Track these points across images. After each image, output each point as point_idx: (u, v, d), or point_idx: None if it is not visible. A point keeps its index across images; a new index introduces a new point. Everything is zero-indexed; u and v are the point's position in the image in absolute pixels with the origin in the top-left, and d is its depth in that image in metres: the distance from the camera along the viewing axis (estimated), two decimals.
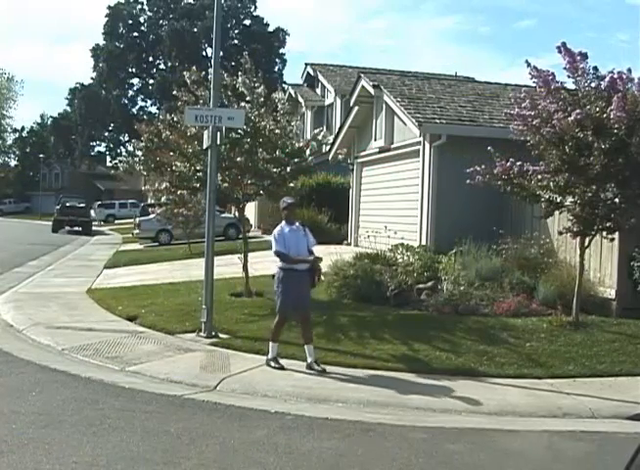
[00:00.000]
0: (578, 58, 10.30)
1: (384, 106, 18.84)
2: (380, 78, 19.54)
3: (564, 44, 10.33)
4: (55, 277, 18.86)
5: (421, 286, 12.56)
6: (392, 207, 18.69)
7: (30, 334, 11.03)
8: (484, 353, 9.51)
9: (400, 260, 14.06)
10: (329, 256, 13.38)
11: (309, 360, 8.90)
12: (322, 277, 8.75)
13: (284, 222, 9.20)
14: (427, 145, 16.54)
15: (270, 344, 9.07)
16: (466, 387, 8.35)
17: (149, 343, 10.44)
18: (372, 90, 18.89)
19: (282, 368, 8.84)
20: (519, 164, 10.83)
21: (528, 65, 10.68)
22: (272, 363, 8.96)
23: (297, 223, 9.21)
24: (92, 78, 73.58)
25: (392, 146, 18.85)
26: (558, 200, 10.87)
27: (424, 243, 15.99)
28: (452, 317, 11.30)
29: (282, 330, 9.23)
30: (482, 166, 11.06)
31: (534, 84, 10.80)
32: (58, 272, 20.16)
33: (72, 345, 10.16)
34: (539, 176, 10.67)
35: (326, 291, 12.90)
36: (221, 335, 10.75)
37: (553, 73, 10.55)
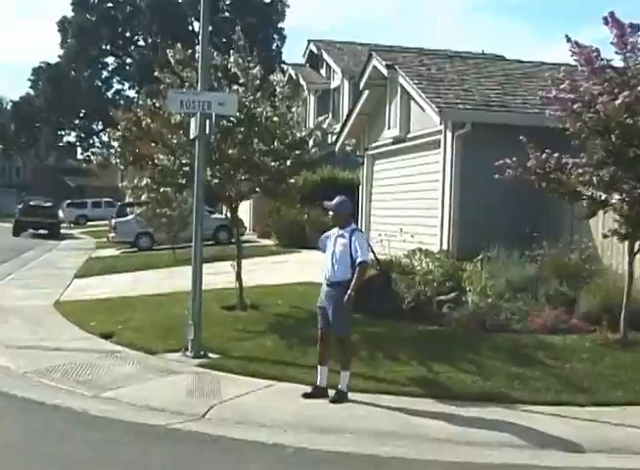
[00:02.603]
0: (629, 30, 10.24)
1: (399, 89, 18.83)
2: (394, 57, 19.52)
3: (611, 14, 10.27)
4: (16, 288, 18.86)
5: (442, 298, 12.56)
6: (409, 206, 18.68)
7: None
8: (516, 377, 9.51)
9: (418, 268, 14.05)
10: None
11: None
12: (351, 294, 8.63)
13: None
14: (448, 134, 16.54)
15: (348, 374, 8.89)
16: (495, 415, 8.35)
17: (126, 364, 10.45)
18: (385, 71, 18.89)
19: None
20: (556, 155, 10.83)
21: (568, 39, 10.67)
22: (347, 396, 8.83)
23: (350, 228, 9.03)
24: (59, 57, 73.73)
25: (409, 136, 18.85)
26: (602, 197, 10.86)
27: (445, 248, 15.99)
28: (478, 334, 11.29)
29: (321, 351, 9.07)
30: (513, 159, 11.07)
31: (575, 62, 10.79)
32: (20, 282, 20.17)
33: (37, 367, 10.17)
34: (580, 170, 10.66)
35: None
36: (211, 355, 10.78)
37: (597, 49, 10.52)
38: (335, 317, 8.76)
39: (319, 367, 8.93)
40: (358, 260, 8.73)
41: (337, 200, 9.22)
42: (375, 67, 19.53)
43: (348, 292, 8.56)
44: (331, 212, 9.24)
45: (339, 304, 8.65)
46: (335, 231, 9.16)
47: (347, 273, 8.75)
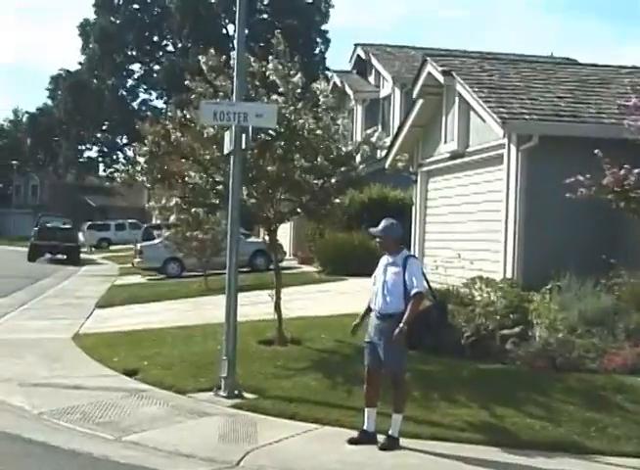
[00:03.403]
0: None
1: (456, 98, 18.79)
2: (451, 63, 19.49)
3: None
4: (31, 319, 19.13)
5: (506, 332, 12.47)
6: (468, 229, 18.58)
7: None
8: (592, 423, 9.39)
9: (478, 298, 13.97)
10: None
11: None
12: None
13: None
14: (513, 148, 16.45)
15: (400, 417, 8.85)
16: (567, 466, 8.23)
17: (153, 404, 10.50)
18: (441, 78, 18.86)
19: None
20: (636, 171, 10.74)
21: None
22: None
23: (403, 255, 9.02)
24: (80, 63, 74.99)
25: (468, 150, 18.77)
26: None
27: (509, 276, 15.86)
28: (548, 374, 11.19)
29: (368, 392, 8.97)
30: (587, 176, 10.99)
31: None
32: (35, 313, 20.46)
33: (53, 407, 10.25)
34: None
35: None
36: (246, 394, 10.81)
37: None
38: (388, 354, 8.70)
39: (366, 410, 8.90)
40: (413, 291, 8.70)
41: (383, 223, 9.20)
42: (430, 73, 19.51)
43: (400, 325, 8.53)
44: (378, 238, 9.20)
45: (392, 338, 8.62)
46: (384, 259, 9.14)
47: (401, 305, 8.73)
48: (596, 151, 11.08)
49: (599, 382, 10.81)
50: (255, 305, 15.91)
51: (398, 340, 8.55)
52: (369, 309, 9.15)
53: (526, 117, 16.45)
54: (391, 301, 8.79)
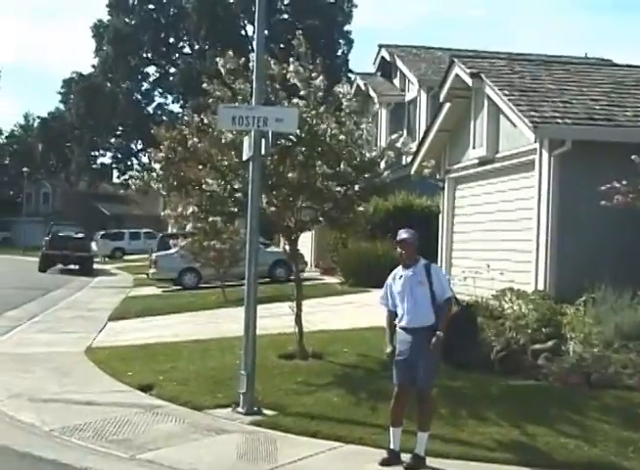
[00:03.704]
0: None
1: (485, 101, 18.77)
2: (480, 64, 19.47)
3: None
4: (42, 332, 19.24)
5: (538, 347, 12.43)
6: (497, 237, 18.53)
7: (7, 409, 11.19)
8: (630, 442, 9.32)
9: (509, 311, 13.94)
10: None
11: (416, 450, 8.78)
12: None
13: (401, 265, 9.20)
14: (545, 154, 16.40)
15: (427, 435, 8.79)
16: None
17: (168, 421, 10.52)
18: (469, 80, 18.85)
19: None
20: None
21: None
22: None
23: (421, 264, 9.07)
24: (93, 66, 75.52)
25: (497, 156, 18.74)
26: None
27: (541, 287, 15.80)
28: (582, 391, 11.13)
29: (396, 410, 8.91)
30: (623, 182, 10.94)
31: None
32: (46, 326, 20.57)
33: (65, 424, 10.29)
34: None
35: None
36: (265, 411, 10.81)
37: None
38: (423, 368, 8.65)
39: (392, 429, 8.86)
40: (445, 296, 8.75)
41: (408, 233, 9.20)
42: (457, 75, 19.50)
43: (438, 333, 8.53)
44: (402, 248, 9.16)
45: (428, 353, 8.58)
46: (400, 272, 9.10)
47: (431, 315, 8.73)
48: (633, 156, 11.03)
49: (636, 399, 10.74)
50: (275, 318, 15.93)
51: (436, 349, 8.55)
52: (393, 327, 9.11)
53: (559, 121, 16.40)
54: (422, 313, 8.77)
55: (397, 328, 8.99)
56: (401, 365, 8.83)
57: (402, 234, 9.19)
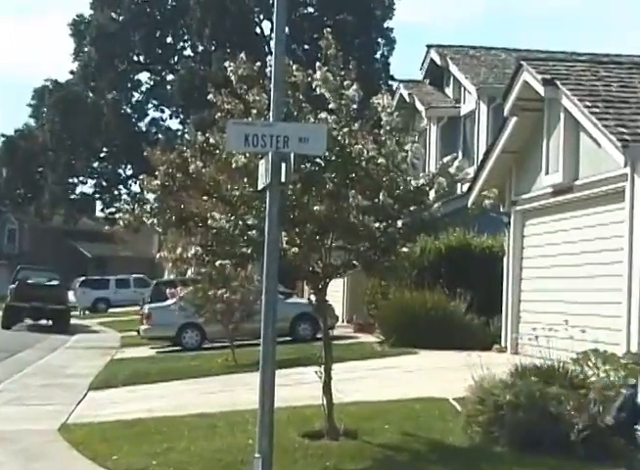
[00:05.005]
0: None
1: (561, 115, 18.74)
2: (554, 69, 19.42)
3: None
4: (6, 405, 19.19)
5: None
6: (578, 286, 18.43)
7: None
8: None
9: (593, 379, 13.78)
10: (469, 370, 13.31)
11: None
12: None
13: None
14: (638, 181, 16.34)
15: None
16: None
17: None
18: (541, 89, 18.83)
19: None
20: None
21: None
22: None
23: None
24: (72, 72, 75.79)
25: (577, 183, 18.67)
26: None
27: (634, 349, 15.69)
28: None
29: None
30: None
31: None
32: (11, 396, 20.51)
33: None
34: None
35: (465, 430, 12.80)
36: None
37: None
38: None
39: None
40: None
41: None
42: (526, 82, 19.51)
43: None
44: None
45: None
46: None
47: None
48: None
49: None
50: (298, 386, 15.84)
51: None
52: None
53: None
54: None
55: None
56: None
57: None
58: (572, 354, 15.20)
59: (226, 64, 14.05)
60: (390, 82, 56.03)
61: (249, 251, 13.58)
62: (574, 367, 14.40)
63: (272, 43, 12.29)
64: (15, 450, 14.15)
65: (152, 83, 77.27)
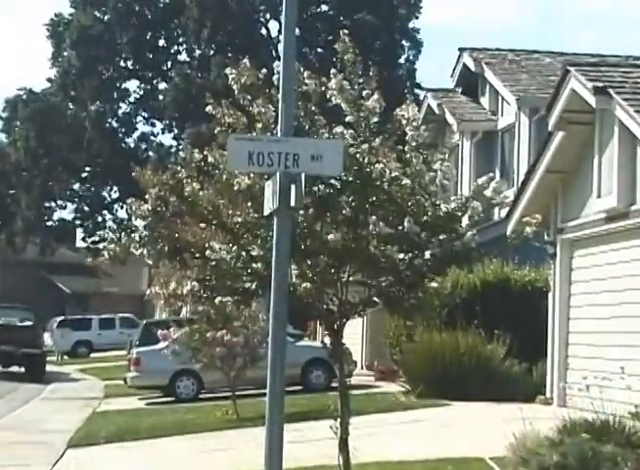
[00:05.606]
0: None
1: (616, 129, 18.74)
2: (607, 75, 19.54)
3: None
4: None
5: None
6: (636, 328, 18.20)
7: None
8: None
9: None
10: (509, 425, 13.31)
11: None
12: None
13: None
14: None
15: None
16: None
17: None
18: (592, 99, 18.85)
19: None
20: None
21: None
22: None
23: None
24: (49, 80, 76.20)
25: (633, 208, 18.55)
26: None
27: None
28: None
29: None
30: None
31: None
32: None
33: None
34: None
35: None
36: None
37: None
38: None
39: None
40: None
41: None
42: (574, 91, 19.54)
43: None
44: None
45: None
46: None
47: None
48: None
49: None
50: (311, 444, 15.71)
51: None
52: None
53: None
54: None
55: None
56: None
57: None
58: (630, 407, 15.09)
59: (227, 70, 13.98)
60: (417, 91, 56.13)
61: (253, 286, 13.54)
62: (633, 423, 14.39)
63: (280, 46, 12.17)
64: None
65: (141, 93, 77.60)
